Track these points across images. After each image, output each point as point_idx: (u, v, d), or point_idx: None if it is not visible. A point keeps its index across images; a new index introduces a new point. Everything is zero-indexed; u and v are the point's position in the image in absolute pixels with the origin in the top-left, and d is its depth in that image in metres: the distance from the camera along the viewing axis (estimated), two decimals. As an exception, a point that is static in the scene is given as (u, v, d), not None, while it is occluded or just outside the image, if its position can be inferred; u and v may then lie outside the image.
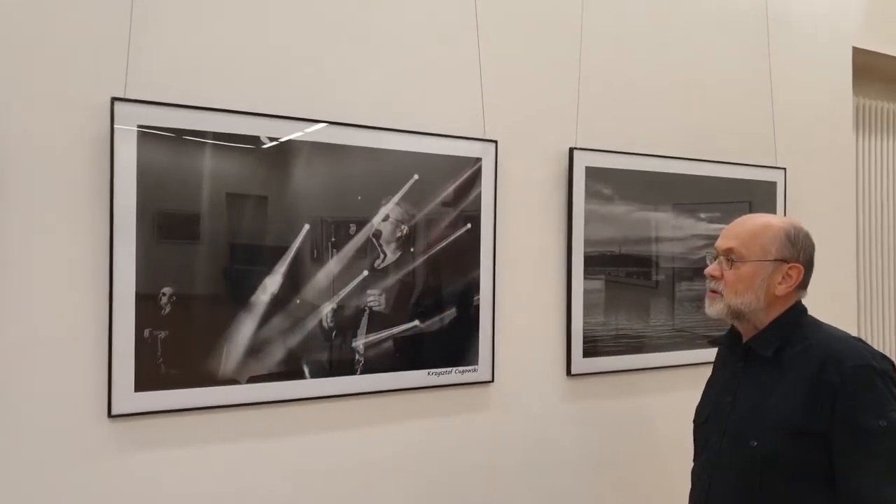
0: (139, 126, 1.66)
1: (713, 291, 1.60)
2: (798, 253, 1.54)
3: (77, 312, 1.63)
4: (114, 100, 1.63)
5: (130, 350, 1.66)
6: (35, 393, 1.59)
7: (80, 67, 1.64)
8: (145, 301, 1.67)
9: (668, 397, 2.45)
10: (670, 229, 2.44)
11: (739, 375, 1.59)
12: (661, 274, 2.44)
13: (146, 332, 1.68)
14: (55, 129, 1.61)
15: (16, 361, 1.57)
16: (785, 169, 2.70)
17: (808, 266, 1.57)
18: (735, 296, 1.54)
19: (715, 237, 2.52)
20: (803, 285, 1.58)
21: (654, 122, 2.45)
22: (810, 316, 1.61)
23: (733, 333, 1.67)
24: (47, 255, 1.61)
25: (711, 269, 1.60)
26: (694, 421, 1.73)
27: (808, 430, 1.44)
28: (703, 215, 2.51)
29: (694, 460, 1.71)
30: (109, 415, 1.64)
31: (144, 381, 1.67)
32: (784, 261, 1.53)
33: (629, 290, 2.38)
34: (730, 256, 1.56)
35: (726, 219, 2.53)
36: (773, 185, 2.67)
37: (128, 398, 1.66)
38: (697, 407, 1.74)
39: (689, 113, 2.53)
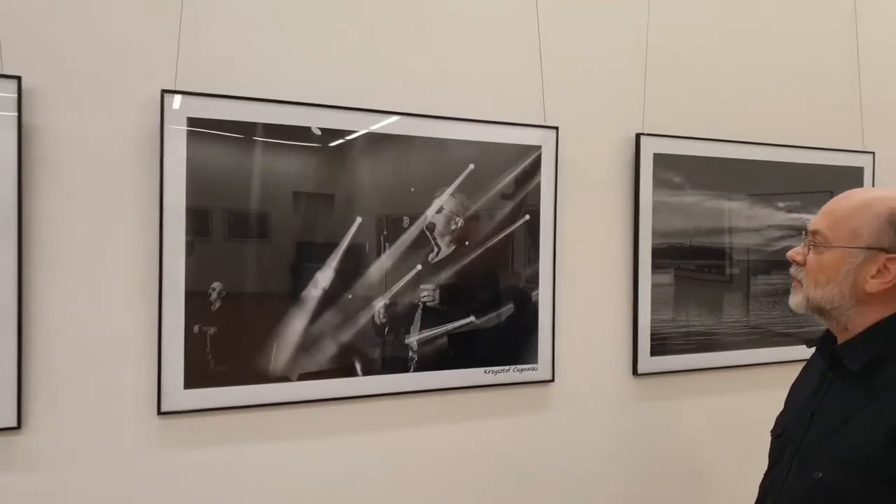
0: (189, 119, 1.63)
1: (794, 279, 1.35)
2: None
3: (127, 308, 1.61)
4: (164, 92, 1.60)
5: (180, 347, 1.63)
6: (85, 390, 1.58)
7: (131, 60, 1.61)
8: (195, 297, 1.64)
9: (742, 399, 2.30)
10: (745, 219, 2.28)
11: (824, 388, 1.34)
12: (736, 267, 2.28)
13: (196, 329, 1.65)
14: (105, 123, 1.59)
15: (66, 359, 1.57)
16: (873, 153, 2.49)
17: None
18: (815, 287, 1.29)
19: (794, 227, 2.39)
20: None
21: (728, 106, 2.28)
22: None
23: (828, 334, 1.39)
24: (97, 250, 1.59)
25: (794, 252, 1.35)
26: (771, 431, 1.50)
27: (887, 472, 1.15)
28: (781, 204, 2.33)
29: (765, 473, 1.50)
30: (159, 412, 1.62)
31: (194, 378, 1.65)
32: (882, 250, 1.23)
33: (701, 284, 2.23)
34: (815, 240, 1.30)
35: (807, 208, 2.37)
36: (859, 170, 2.47)
37: (177, 395, 1.64)
38: (778, 415, 1.51)
39: (767, 95, 2.35)
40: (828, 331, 1.38)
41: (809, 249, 1.31)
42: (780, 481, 1.35)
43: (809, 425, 1.32)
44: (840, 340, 1.33)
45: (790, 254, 1.36)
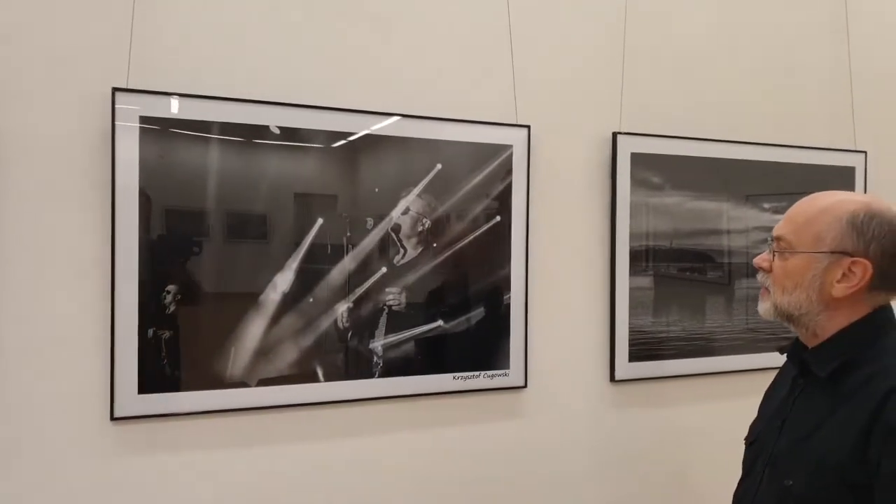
0: (141, 117, 1.59)
1: (762, 286, 1.35)
2: (867, 244, 1.21)
3: (78, 311, 1.58)
4: (115, 90, 1.56)
5: (133, 350, 1.59)
6: (35, 394, 1.55)
7: (81, 57, 1.57)
8: (149, 300, 1.60)
9: (725, 406, 2.21)
10: (729, 221, 2.21)
11: (795, 395, 1.33)
12: (719, 270, 2.21)
13: (150, 332, 1.61)
14: (56, 121, 1.56)
15: (15, 362, 1.53)
16: (865, 153, 2.41)
17: (887, 262, 1.21)
18: (782, 294, 1.28)
19: (781, 229, 2.31)
20: (884, 286, 1.24)
21: (710, 103, 2.22)
22: None
23: (799, 340, 1.37)
24: (47, 252, 1.55)
25: (759, 258, 1.34)
26: (745, 439, 1.49)
27: (853, 479, 1.15)
28: (766, 205, 2.26)
29: (738, 483, 1.47)
30: (112, 418, 1.58)
31: (148, 383, 1.61)
32: (845, 253, 1.22)
33: (682, 287, 2.17)
34: (780, 245, 1.29)
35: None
36: (850, 170, 2.39)
37: (131, 400, 1.59)
38: (752, 423, 1.50)
39: (752, 91, 2.28)
40: (798, 337, 1.37)
41: (775, 255, 1.30)
42: (752, 491, 1.34)
43: (780, 433, 1.31)
44: (810, 346, 1.32)
45: (756, 261, 1.35)
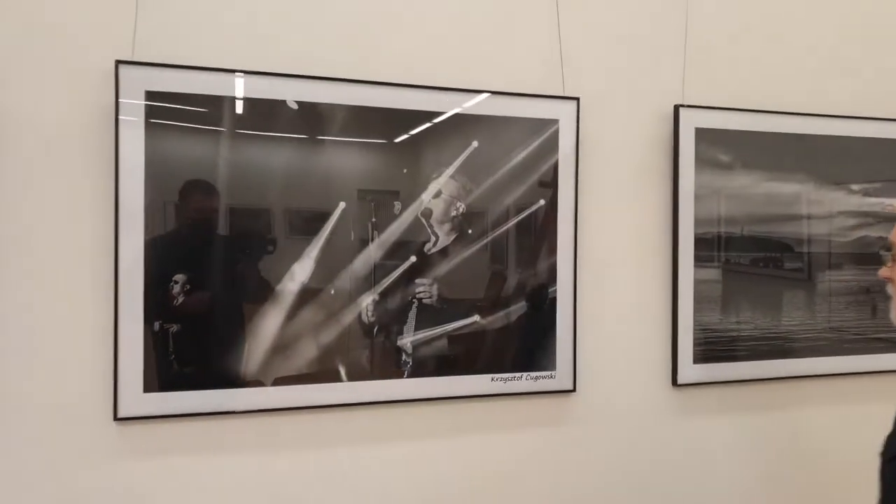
0: (147, 92, 1.47)
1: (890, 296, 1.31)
2: None
3: (79, 303, 1.47)
4: (118, 63, 1.44)
5: (139, 345, 1.48)
6: (34, 392, 1.45)
7: (83, 29, 1.46)
8: (155, 290, 1.48)
9: (805, 415, 1.97)
10: (811, 205, 1.95)
11: None
12: (798, 260, 1.95)
13: (156, 326, 1.48)
14: (55, 98, 1.45)
15: (13, 358, 1.44)
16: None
17: None
18: None
19: (873, 214, 2.03)
20: None
21: (788, 71, 1.96)
22: None
23: None
24: (47, 240, 1.45)
25: (881, 271, 1.33)
26: (881, 454, 1.33)
27: None
28: (855, 187, 1.98)
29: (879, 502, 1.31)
30: (115, 418, 1.47)
31: (154, 381, 1.49)
32: None
33: (755, 280, 1.93)
34: (893, 253, 1.27)
35: (890, 190, 2.01)
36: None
37: (136, 400, 1.48)
38: (889, 435, 1.33)
39: (839, 56, 2.01)
40: None
41: (892, 264, 1.28)
42: None
43: None
44: None
45: (879, 273, 1.34)
